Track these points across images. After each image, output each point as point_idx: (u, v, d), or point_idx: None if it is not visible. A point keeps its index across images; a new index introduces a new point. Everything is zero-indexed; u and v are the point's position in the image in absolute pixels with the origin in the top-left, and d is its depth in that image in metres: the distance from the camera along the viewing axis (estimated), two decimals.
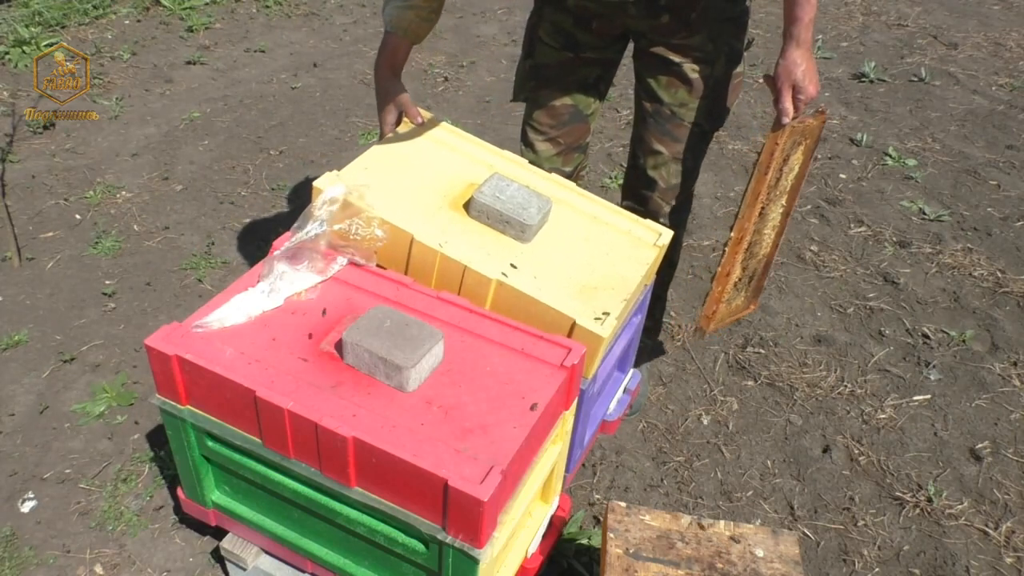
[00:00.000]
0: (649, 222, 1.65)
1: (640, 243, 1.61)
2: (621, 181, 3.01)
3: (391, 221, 1.48)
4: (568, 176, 1.94)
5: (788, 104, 1.54)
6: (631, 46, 1.79)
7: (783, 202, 1.70)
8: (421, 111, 1.73)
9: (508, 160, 1.72)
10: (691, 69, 1.68)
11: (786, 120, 1.55)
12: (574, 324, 1.40)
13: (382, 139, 1.71)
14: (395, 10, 1.64)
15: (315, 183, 1.52)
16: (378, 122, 1.73)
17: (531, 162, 1.97)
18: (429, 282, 1.51)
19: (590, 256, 1.55)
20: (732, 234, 1.63)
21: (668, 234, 1.63)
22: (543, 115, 1.82)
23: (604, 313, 1.43)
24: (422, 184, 1.61)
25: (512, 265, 1.47)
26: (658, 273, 1.90)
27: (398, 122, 1.72)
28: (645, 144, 1.79)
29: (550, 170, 1.93)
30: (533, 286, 1.44)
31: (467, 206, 1.56)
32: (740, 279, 1.72)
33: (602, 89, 1.84)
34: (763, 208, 1.63)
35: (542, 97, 1.81)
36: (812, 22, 1.53)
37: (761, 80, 3.80)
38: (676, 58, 1.67)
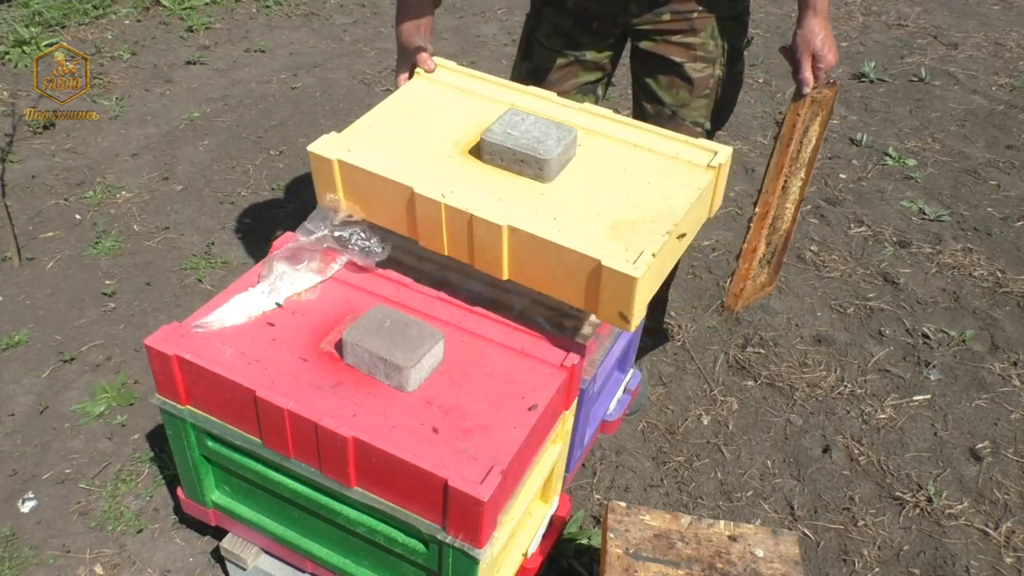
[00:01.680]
0: (702, 140, 1.48)
1: (690, 167, 1.42)
2: None
3: (388, 176, 1.37)
4: None
5: (808, 74, 1.53)
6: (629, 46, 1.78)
7: (802, 175, 1.69)
8: (438, 59, 1.64)
9: (534, 96, 1.58)
10: (692, 68, 1.67)
11: (807, 90, 1.54)
12: (599, 266, 1.23)
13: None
14: None
15: (310, 148, 1.43)
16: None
17: None
18: (440, 242, 1.38)
19: (627, 188, 1.37)
20: (757, 209, 1.61)
21: (726, 151, 1.45)
22: None
23: (639, 251, 1.25)
24: (432, 133, 1.48)
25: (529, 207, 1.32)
26: None
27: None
28: None
29: None
30: (551, 228, 1.28)
31: (479, 149, 1.43)
32: (764, 255, 1.71)
33: (600, 92, 1.83)
34: (785, 182, 1.62)
35: None
36: None
37: (762, 80, 3.81)
38: (678, 58, 1.67)
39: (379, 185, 1.38)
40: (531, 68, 1.79)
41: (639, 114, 1.80)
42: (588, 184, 1.38)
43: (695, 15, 1.62)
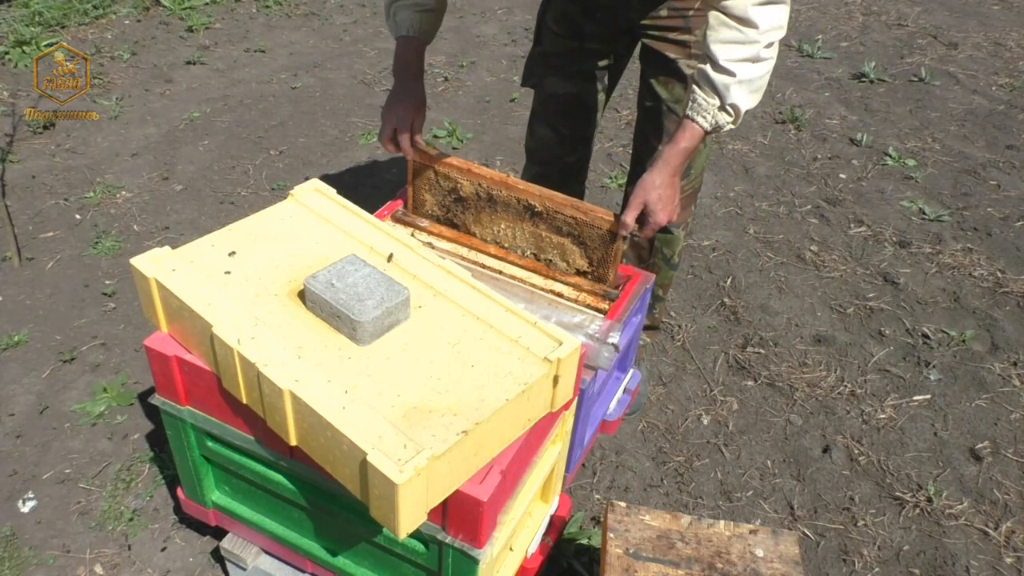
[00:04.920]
0: (554, 328, 1.28)
1: (525, 355, 1.22)
2: (621, 181, 3.01)
3: (193, 307, 1.24)
4: (570, 166, 1.95)
5: (630, 220, 1.49)
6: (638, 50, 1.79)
7: (532, 245, 1.62)
8: (420, 142, 1.58)
9: (401, 243, 1.43)
10: (687, 65, 1.68)
11: (623, 232, 1.50)
12: (365, 461, 1.05)
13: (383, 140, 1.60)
14: (406, 12, 1.58)
15: (132, 261, 1.32)
16: (381, 122, 1.61)
17: (532, 150, 1.95)
18: (238, 388, 1.23)
19: (445, 368, 1.19)
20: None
21: (571, 344, 1.25)
22: (548, 102, 1.86)
23: (419, 450, 1.05)
24: (270, 266, 1.35)
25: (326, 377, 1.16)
26: (658, 274, 1.90)
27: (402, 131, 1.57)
28: (647, 142, 1.81)
29: (550, 159, 1.93)
30: (334, 403, 1.11)
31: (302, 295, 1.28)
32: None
33: (607, 83, 1.86)
34: (494, 200, 1.59)
35: (547, 84, 1.85)
36: (687, 152, 1.49)
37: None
38: (672, 54, 1.69)
39: (188, 314, 1.26)
40: (541, 52, 1.84)
41: (639, 112, 1.83)
42: (404, 355, 1.21)
43: (691, 13, 1.64)
